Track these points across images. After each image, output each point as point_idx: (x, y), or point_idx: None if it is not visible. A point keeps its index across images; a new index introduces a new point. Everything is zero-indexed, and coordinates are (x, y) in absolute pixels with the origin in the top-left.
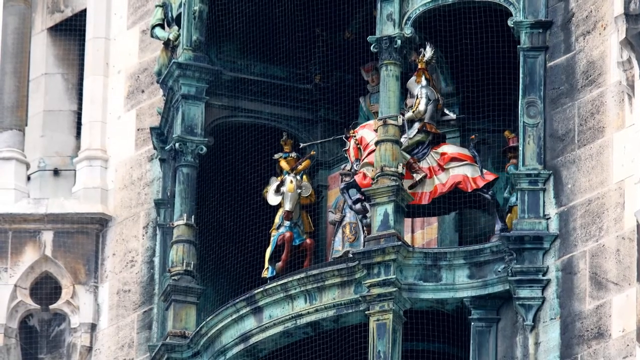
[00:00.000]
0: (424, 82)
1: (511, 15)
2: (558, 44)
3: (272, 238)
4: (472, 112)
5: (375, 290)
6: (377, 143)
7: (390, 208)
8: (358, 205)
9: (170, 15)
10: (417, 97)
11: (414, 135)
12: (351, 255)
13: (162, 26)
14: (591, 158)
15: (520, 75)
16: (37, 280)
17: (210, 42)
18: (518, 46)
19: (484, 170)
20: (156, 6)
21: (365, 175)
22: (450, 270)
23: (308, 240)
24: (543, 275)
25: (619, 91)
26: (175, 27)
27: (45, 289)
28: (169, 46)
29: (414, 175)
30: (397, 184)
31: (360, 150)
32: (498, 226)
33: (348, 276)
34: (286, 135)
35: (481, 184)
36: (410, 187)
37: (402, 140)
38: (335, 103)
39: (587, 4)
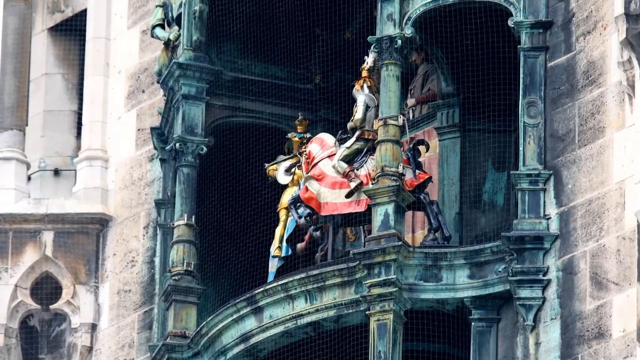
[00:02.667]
0: (365, 89)
1: (511, 15)
2: (558, 44)
3: (287, 218)
4: (473, 112)
5: (376, 291)
6: (377, 143)
7: (390, 208)
8: (302, 220)
9: (170, 15)
10: (355, 105)
11: (352, 144)
12: (352, 255)
13: (162, 26)
14: (591, 158)
15: (521, 76)
16: (38, 280)
17: (210, 42)
18: (518, 46)
19: (417, 172)
20: (156, 6)
21: (307, 189)
22: (451, 270)
23: (327, 224)
24: (543, 276)
25: (619, 91)
26: (176, 27)
27: (45, 289)
28: (170, 46)
29: (351, 183)
30: (398, 184)
31: (310, 165)
32: (433, 225)
33: (348, 276)
34: (302, 116)
35: (413, 185)
36: (347, 196)
37: (341, 150)
38: (336, 103)
39: (588, 4)
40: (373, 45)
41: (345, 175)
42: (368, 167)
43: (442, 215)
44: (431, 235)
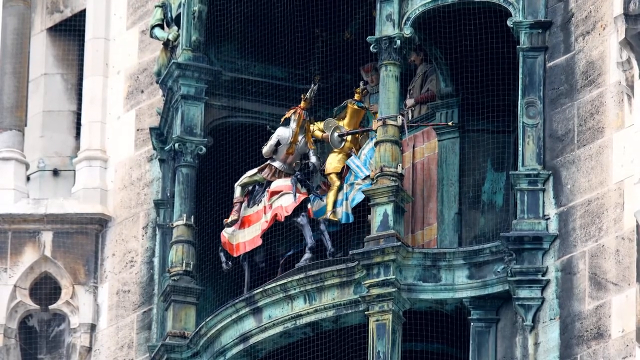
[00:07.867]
0: (292, 123)
1: (510, 15)
2: (557, 44)
3: (340, 182)
4: (472, 112)
5: (375, 291)
6: (376, 143)
7: (389, 208)
8: (225, 266)
9: (169, 15)
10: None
11: (253, 174)
12: (351, 256)
13: (161, 26)
14: (591, 158)
15: (520, 76)
16: (37, 280)
17: (209, 43)
18: (517, 46)
19: (297, 195)
20: (155, 6)
21: (223, 236)
22: (450, 270)
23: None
24: (542, 276)
25: (618, 91)
26: (175, 28)
27: (44, 289)
28: (169, 46)
29: (231, 215)
30: (397, 184)
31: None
32: (308, 245)
33: (347, 277)
34: (363, 85)
35: (291, 209)
36: (226, 225)
37: (244, 176)
38: (335, 103)
39: (587, 4)
40: (315, 78)
41: (234, 202)
42: (264, 201)
43: (327, 232)
44: (307, 254)
